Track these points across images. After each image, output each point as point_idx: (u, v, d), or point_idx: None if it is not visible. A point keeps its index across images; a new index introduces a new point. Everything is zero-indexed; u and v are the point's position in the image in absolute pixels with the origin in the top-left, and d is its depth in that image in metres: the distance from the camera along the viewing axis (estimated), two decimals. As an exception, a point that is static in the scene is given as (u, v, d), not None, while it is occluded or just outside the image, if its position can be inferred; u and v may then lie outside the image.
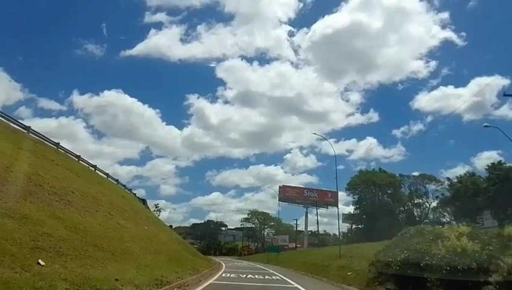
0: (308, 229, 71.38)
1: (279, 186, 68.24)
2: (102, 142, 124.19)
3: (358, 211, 59.68)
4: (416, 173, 61.50)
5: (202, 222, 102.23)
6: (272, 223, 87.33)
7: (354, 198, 62.89)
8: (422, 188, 58.74)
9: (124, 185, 37.38)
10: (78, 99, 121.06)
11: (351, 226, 66.94)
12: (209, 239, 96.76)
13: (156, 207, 46.14)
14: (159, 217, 41.59)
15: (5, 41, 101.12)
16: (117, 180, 34.02)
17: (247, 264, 37.62)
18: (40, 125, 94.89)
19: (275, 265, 36.27)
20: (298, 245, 72.38)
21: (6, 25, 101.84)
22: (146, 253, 15.20)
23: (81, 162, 27.81)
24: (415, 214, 57.23)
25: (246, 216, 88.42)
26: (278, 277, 20.39)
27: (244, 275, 19.96)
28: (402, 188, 58.55)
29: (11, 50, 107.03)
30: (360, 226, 61.82)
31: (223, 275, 19.92)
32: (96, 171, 30.00)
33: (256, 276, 20.18)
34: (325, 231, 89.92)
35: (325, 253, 31.55)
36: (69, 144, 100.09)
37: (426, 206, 57.17)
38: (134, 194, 39.87)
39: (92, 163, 30.22)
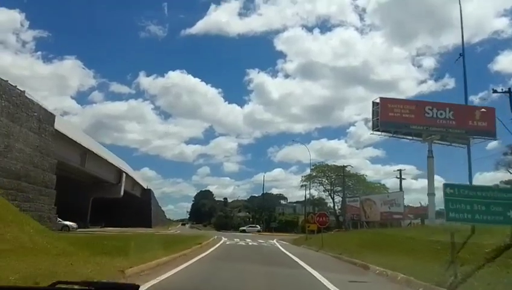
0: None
1: (373, 102, 34.75)
2: (169, 122, 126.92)
3: None
4: None
5: (259, 195, 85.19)
6: (350, 183, 54.91)
7: None
8: None
9: None
10: (145, 81, 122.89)
11: None
12: (255, 209, 78.26)
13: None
14: None
15: (76, 30, 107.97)
16: None
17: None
18: (111, 108, 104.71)
19: None
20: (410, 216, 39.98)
21: (75, 16, 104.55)
22: None
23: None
24: None
25: (310, 173, 56.91)
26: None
27: None
28: None
29: (82, 38, 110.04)
30: None
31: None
32: None
33: None
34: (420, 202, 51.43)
35: None
36: (139, 125, 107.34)
37: None
38: None
39: None
